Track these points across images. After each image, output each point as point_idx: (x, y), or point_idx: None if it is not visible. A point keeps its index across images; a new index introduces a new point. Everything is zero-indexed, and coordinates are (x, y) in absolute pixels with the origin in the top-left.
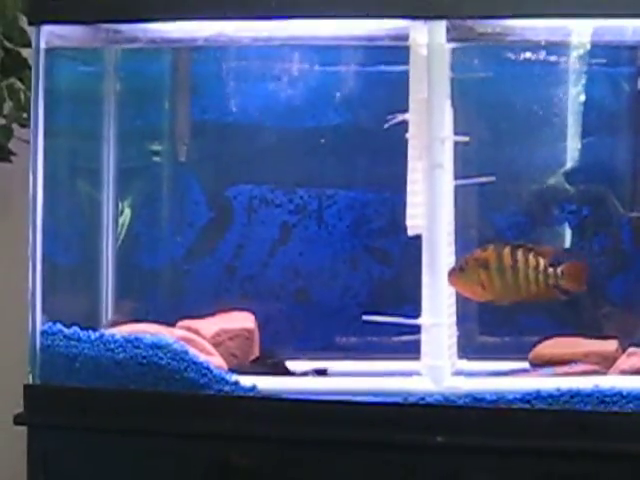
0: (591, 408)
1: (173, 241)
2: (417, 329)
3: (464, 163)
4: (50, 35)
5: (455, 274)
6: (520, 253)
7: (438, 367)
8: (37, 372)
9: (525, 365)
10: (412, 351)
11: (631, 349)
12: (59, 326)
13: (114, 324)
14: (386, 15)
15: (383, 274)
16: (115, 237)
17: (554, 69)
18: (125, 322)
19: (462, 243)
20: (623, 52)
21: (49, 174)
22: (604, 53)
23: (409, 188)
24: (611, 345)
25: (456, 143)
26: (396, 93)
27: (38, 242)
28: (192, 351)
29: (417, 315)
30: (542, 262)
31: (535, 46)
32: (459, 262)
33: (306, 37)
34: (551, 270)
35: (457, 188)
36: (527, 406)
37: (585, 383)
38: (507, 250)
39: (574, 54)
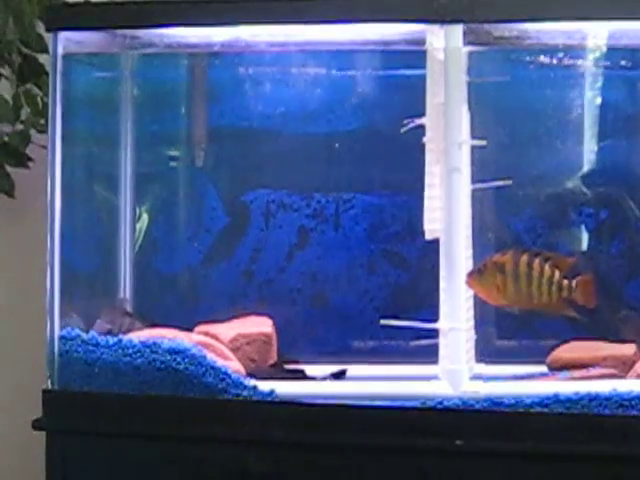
0: (609, 412)
1: (190, 246)
2: (435, 333)
3: (481, 167)
4: (67, 41)
5: (473, 276)
6: (537, 261)
7: (456, 371)
8: (56, 377)
9: (543, 369)
10: (430, 355)
11: None
12: (77, 331)
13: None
14: (403, 19)
15: (400, 278)
16: (133, 242)
17: (570, 72)
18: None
19: (480, 247)
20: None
21: (66, 180)
22: (621, 56)
23: (426, 192)
24: (629, 349)
25: (473, 147)
26: (413, 97)
27: (56, 248)
28: (210, 356)
29: (435, 319)
30: (557, 273)
31: (551, 49)
32: (479, 264)
33: (322, 42)
34: (565, 282)
35: (474, 192)
36: (545, 410)
37: (603, 387)
38: (525, 256)
39: (590, 57)
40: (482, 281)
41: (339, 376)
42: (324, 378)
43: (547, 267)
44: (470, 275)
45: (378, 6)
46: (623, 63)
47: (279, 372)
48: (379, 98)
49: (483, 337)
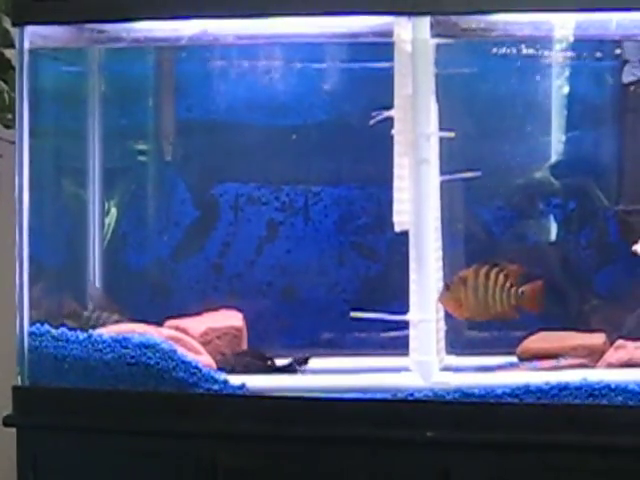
0: (580, 401)
1: (160, 240)
2: (405, 325)
3: (450, 158)
4: (34, 35)
5: (442, 292)
6: (494, 272)
7: (427, 363)
8: (26, 373)
9: (513, 360)
10: (400, 347)
11: (619, 342)
12: (47, 327)
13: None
14: (370, 11)
15: (370, 270)
16: (102, 237)
17: (538, 64)
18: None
19: (449, 238)
20: (606, 46)
21: (35, 175)
22: (587, 47)
23: (395, 184)
24: (599, 338)
25: (441, 139)
26: (381, 90)
27: (25, 243)
28: (181, 350)
29: (405, 311)
30: (508, 282)
31: (519, 41)
32: (448, 281)
33: (290, 35)
34: (513, 290)
35: (443, 184)
36: (516, 400)
37: (573, 377)
38: (484, 269)
39: (557, 48)
40: (449, 296)
41: (302, 363)
42: (289, 365)
43: (501, 276)
44: (441, 292)
45: None
46: (590, 54)
47: (244, 359)
48: (347, 90)
49: (453, 328)
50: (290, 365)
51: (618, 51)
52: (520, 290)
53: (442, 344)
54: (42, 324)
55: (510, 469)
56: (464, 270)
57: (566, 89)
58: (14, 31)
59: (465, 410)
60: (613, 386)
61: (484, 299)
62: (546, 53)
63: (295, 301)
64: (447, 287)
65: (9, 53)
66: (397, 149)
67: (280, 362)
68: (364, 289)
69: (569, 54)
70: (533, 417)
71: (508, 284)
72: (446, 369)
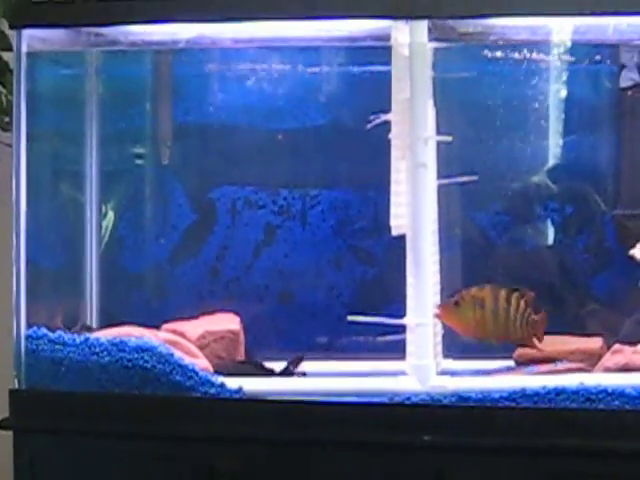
0: (577, 406)
1: (157, 244)
2: (402, 329)
3: (447, 163)
4: (31, 39)
5: (449, 308)
6: (514, 297)
7: (423, 367)
8: (23, 377)
9: (510, 364)
10: (397, 351)
11: (616, 346)
12: (44, 330)
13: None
14: (368, 15)
15: (367, 274)
16: (99, 240)
17: (535, 68)
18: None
19: (446, 242)
20: (604, 50)
21: (32, 178)
22: (585, 51)
23: (393, 188)
24: (596, 343)
25: (439, 143)
26: (378, 93)
27: (22, 246)
28: (177, 354)
29: (402, 315)
30: (528, 309)
31: (516, 45)
32: (454, 297)
33: (288, 38)
34: (532, 318)
35: (440, 187)
36: (513, 404)
37: (570, 381)
38: (503, 292)
39: (555, 53)
40: (459, 314)
41: (296, 363)
42: (286, 369)
43: (522, 303)
44: (445, 307)
45: (344, 2)
46: (587, 58)
47: (242, 368)
48: (344, 94)
49: (450, 332)
50: (286, 369)
51: (615, 56)
52: (537, 317)
53: (439, 348)
54: (39, 327)
55: (506, 473)
56: (474, 289)
57: (563, 93)
58: (11, 34)
59: (462, 414)
60: (610, 390)
61: (504, 324)
62: (543, 57)
63: (292, 305)
64: (456, 303)
65: (7, 56)
66: (394, 153)
67: (277, 368)
68: (361, 293)
69: (566, 59)
70: (530, 421)
71: (528, 312)
72: (443, 373)
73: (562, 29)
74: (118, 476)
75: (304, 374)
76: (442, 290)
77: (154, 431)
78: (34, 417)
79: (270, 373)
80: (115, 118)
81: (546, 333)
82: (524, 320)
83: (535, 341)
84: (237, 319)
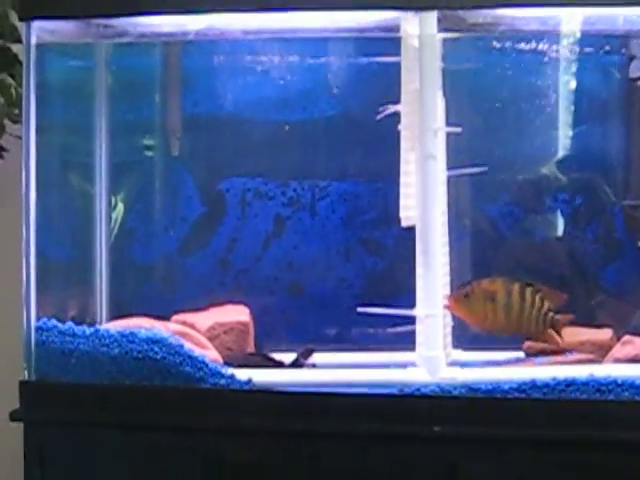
0: (587, 397)
1: (167, 235)
2: (412, 320)
3: (456, 154)
4: (40, 30)
5: (459, 300)
6: (529, 292)
7: (433, 358)
8: (33, 368)
9: (520, 355)
10: (407, 342)
11: (626, 337)
12: (54, 322)
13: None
14: (377, 6)
15: (377, 266)
16: (108, 232)
17: (545, 58)
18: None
19: (456, 234)
20: (614, 40)
21: (41, 170)
22: (595, 42)
23: (402, 179)
24: (606, 334)
25: (448, 134)
26: (388, 85)
27: (32, 238)
28: (187, 345)
29: (412, 306)
30: (545, 306)
31: (526, 36)
32: (464, 289)
33: (297, 29)
34: (549, 316)
35: (450, 179)
36: (523, 396)
37: (580, 372)
38: (516, 287)
39: (565, 43)
40: (469, 306)
41: (306, 355)
42: (295, 360)
43: (537, 299)
44: (455, 299)
45: None
46: (597, 49)
47: (251, 358)
48: (354, 86)
49: (460, 323)
50: (296, 360)
51: (625, 46)
52: (556, 317)
53: (449, 339)
54: (49, 319)
55: (516, 464)
56: (485, 282)
57: (573, 84)
58: (21, 26)
59: (472, 405)
60: (620, 381)
61: (517, 318)
62: (553, 48)
63: (302, 296)
64: (466, 295)
65: (16, 48)
66: (404, 144)
67: (287, 360)
68: (371, 284)
69: (576, 49)
70: (540, 412)
71: (545, 308)
72: (453, 364)
73: (572, 19)
74: (128, 467)
75: (314, 365)
76: (452, 281)
77: (164, 422)
78: (44, 409)
79: (279, 365)
80: (124, 110)
81: None
82: (540, 317)
83: (554, 336)
84: (247, 310)
